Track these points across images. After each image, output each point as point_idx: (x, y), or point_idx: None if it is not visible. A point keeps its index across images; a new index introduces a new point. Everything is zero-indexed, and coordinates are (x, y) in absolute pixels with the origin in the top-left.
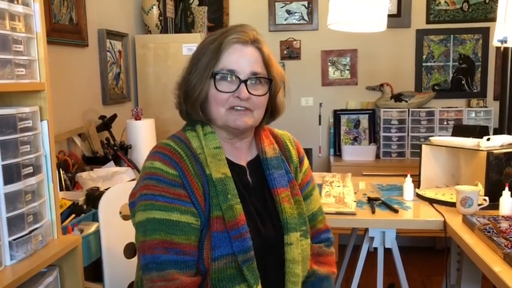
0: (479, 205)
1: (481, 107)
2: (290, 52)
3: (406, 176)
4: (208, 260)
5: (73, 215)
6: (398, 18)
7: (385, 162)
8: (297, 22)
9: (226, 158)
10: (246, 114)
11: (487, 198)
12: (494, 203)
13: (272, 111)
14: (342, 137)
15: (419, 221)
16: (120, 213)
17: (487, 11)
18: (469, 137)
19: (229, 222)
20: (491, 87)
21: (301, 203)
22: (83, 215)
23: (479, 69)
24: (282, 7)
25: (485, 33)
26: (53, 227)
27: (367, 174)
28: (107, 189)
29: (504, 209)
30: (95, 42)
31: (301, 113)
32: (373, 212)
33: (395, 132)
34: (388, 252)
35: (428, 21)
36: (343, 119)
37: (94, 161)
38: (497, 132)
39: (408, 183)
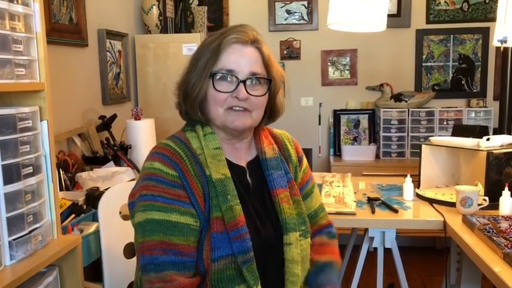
0: (479, 205)
1: (481, 107)
2: (290, 52)
3: (406, 176)
4: (208, 261)
5: (73, 215)
6: (398, 18)
7: (385, 162)
8: (296, 22)
9: (226, 158)
10: (245, 114)
11: (486, 198)
12: (494, 203)
13: (271, 112)
14: (341, 137)
15: (419, 221)
16: (120, 213)
17: (487, 11)
18: (469, 137)
19: (229, 223)
20: (491, 87)
21: (300, 203)
22: (83, 215)
23: (479, 69)
24: (282, 7)
25: (485, 33)
26: (52, 227)
27: (367, 174)
28: (106, 189)
29: (504, 209)
30: (95, 42)
31: (301, 113)
32: (373, 212)
33: (395, 132)
34: (388, 252)
35: (428, 21)
36: (343, 119)
37: (94, 161)
38: (497, 132)
39: (408, 183)
